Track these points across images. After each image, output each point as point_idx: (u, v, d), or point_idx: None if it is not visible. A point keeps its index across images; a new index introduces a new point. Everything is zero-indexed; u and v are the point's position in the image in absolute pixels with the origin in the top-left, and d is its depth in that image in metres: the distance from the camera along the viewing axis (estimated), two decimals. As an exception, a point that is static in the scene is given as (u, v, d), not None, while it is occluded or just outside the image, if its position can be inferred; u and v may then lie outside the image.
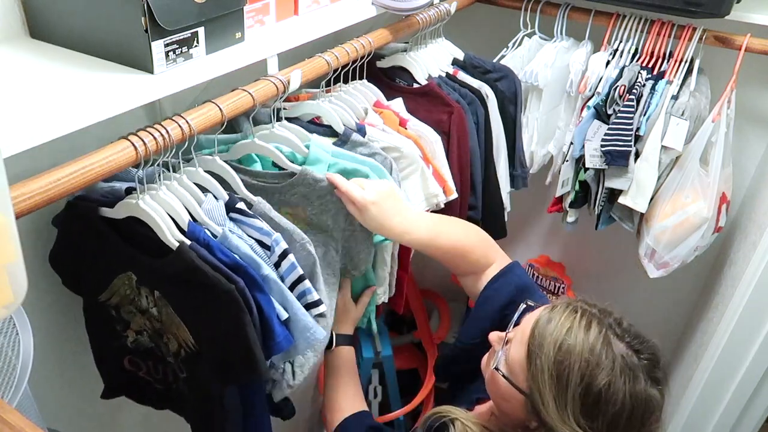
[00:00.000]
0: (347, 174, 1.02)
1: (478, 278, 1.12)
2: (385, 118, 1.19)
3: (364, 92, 1.20)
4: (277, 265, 0.90)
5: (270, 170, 1.03)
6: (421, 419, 0.99)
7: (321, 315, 0.94)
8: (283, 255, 0.90)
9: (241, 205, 0.91)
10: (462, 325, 1.21)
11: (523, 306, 0.95)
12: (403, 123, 1.22)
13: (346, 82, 1.19)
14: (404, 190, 1.15)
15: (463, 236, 1.13)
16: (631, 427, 0.83)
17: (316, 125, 1.12)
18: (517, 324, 0.93)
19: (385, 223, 1.03)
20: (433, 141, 1.22)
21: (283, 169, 1.01)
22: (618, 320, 0.88)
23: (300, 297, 0.92)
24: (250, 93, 0.91)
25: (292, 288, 0.91)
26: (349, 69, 1.13)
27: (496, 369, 0.90)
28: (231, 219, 0.91)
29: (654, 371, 0.85)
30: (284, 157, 1.00)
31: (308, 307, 0.92)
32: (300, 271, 0.91)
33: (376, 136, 1.13)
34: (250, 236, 0.90)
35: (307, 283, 0.91)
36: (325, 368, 1.21)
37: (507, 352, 0.90)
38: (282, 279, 0.91)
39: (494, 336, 0.96)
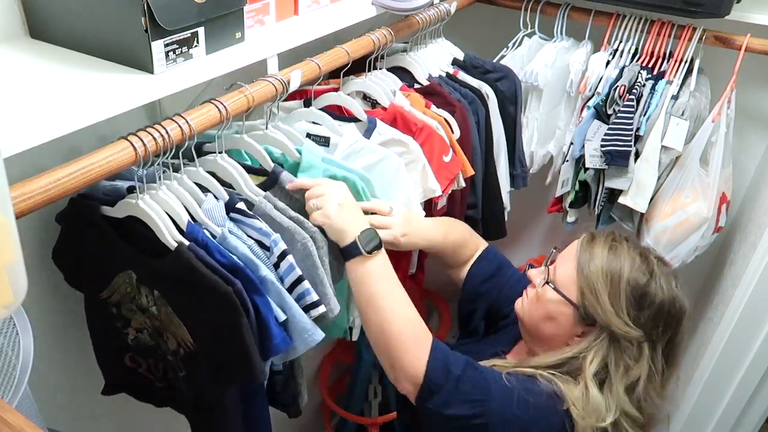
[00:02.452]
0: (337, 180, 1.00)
1: (466, 266, 1.26)
2: (412, 101, 1.23)
3: (390, 78, 1.26)
4: (276, 266, 0.90)
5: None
6: None
7: (321, 316, 0.93)
8: (282, 256, 0.89)
9: (241, 205, 0.91)
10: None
11: (553, 251, 1.10)
12: (428, 105, 1.25)
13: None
14: (405, 182, 1.14)
15: (461, 231, 1.26)
16: (669, 324, 0.98)
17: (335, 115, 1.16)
18: (551, 263, 1.07)
19: (419, 240, 1.13)
20: (453, 124, 1.26)
21: (264, 173, 0.99)
22: (646, 246, 1.06)
23: (299, 298, 0.91)
24: (247, 94, 0.91)
25: (291, 289, 0.91)
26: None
27: (547, 283, 1.02)
28: (231, 219, 0.91)
29: (679, 283, 1.00)
30: (269, 159, 0.99)
31: (308, 308, 0.92)
32: (299, 272, 0.91)
33: (384, 130, 1.15)
34: (249, 236, 0.90)
35: (306, 284, 0.91)
36: (373, 273, 0.97)
37: (552, 274, 1.03)
38: (281, 280, 0.90)
39: (533, 272, 1.08)
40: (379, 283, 0.97)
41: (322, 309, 0.93)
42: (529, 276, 1.09)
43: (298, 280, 0.91)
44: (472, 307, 1.25)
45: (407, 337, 0.95)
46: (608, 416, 0.94)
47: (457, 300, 1.49)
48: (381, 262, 0.98)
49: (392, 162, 1.10)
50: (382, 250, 0.99)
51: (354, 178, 1.03)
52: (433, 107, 1.26)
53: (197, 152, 0.96)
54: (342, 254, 0.97)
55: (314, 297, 0.92)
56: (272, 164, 0.99)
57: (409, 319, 0.97)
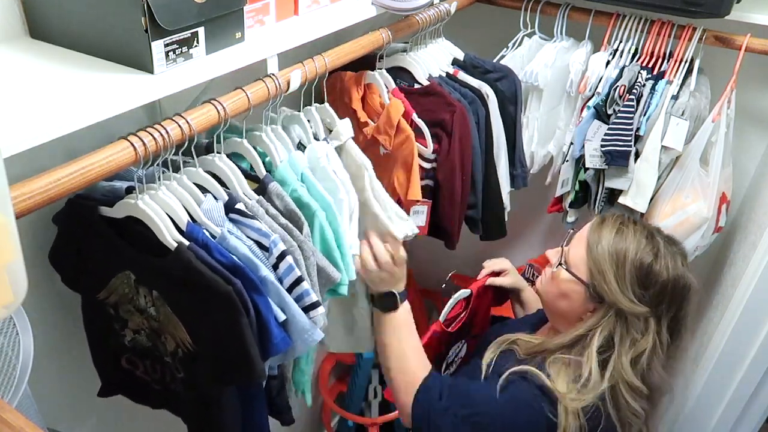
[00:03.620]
0: (300, 207, 0.98)
1: None
2: (391, 107, 1.23)
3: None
4: (275, 267, 0.90)
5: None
6: (488, 353, 1.12)
7: (320, 317, 0.93)
8: (281, 256, 0.89)
9: (240, 205, 0.91)
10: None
11: (569, 231, 1.16)
12: (408, 114, 1.25)
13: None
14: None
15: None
16: (674, 300, 1.03)
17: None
18: (566, 244, 1.13)
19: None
20: (427, 137, 1.27)
21: (257, 179, 0.99)
22: (655, 227, 1.11)
23: (299, 299, 0.91)
24: (247, 94, 0.91)
25: (290, 289, 0.91)
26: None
27: (560, 264, 1.10)
28: (230, 220, 0.91)
29: (686, 262, 1.07)
30: (263, 167, 0.99)
31: (307, 309, 0.92)
32: (298, 272, 0.91)
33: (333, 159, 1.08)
34: (248, 237, 0.90)
35: (305, 284, 0.91)
36: (384, 327, 1.19)
37: (566, 256, 1.10)
38: (280, 280, 0.90)
39: (550, 252, 1.17)
40: (393, 333, 1.19)
41: (321, 310, 0.93)
42: (547, 256, 1.17)
43: (298, 281, 0.91)
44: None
45: (398, 384, 1.16)
46: (602, 385, 1.00)
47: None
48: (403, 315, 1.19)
49: (339, 196, 1.04)
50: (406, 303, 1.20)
51: (316, 209, 0.98)
52: (415, 116, 1.25)
53: (205, 151, 0.97)
54: (378, 301, 1.19)
55: (313, 298, 0.92)
56: (264, 172, 0.98)
57: (403, 369, 1.16)
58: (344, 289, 1.04)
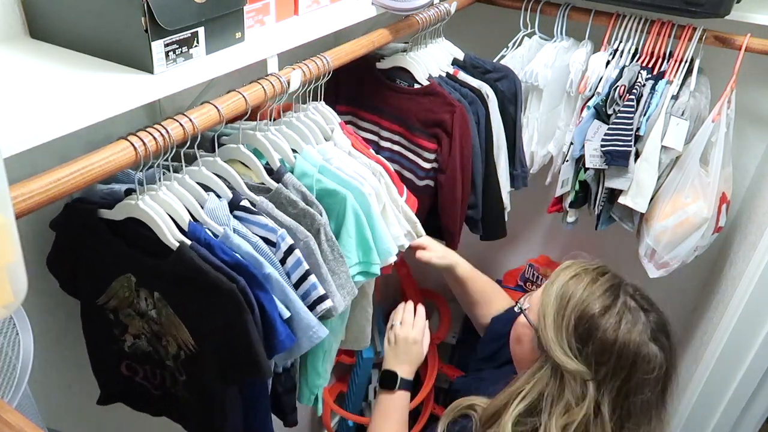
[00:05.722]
0: (326, 195, 1.00)
1: (489, 308, 1.35)
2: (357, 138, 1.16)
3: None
4: (282, 261, 0.90)
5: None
6: (442, 420, 1.05)
7: (327, 311, 0.94)
8: (289, 251, 0.90)
9: (245, 202, 0.91)
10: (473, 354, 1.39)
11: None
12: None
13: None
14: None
15: (489, 284, 1.39)
16: (620, 368, 0.90)
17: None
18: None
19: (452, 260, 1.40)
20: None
21: (270, 171, 0.99)
22: (635, 286, 0.98)
23: (307, 294, 0.92)
24: (244, 95, 0.91)
25: (299, 284, 0.91)
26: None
27: (516, 305, 1.05)
28: (236, 217, 0.91)
29: (657, 334, 0.92)
30: (264, 171, 0.98)
31: (315, 303, 0.92)
32: (306, 266, 0.91)
33: (342, 161, 1.08)
34: (255, 234, 0.90)
35: (313, 278, 0.91)
36: (379, 407, 1.17)
37: (529, 298, 1.04)
38: (288, 275, 0.91)
39: (525, 296, 1.09)
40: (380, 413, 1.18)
41: (329, 303, 0.93)
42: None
43: (306, 275, 0.91)
44: (500, 344, 1.22)
45: None
46: None
47: (457, 300, 1.50)
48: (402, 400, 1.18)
49: (365, 191, 1.03)
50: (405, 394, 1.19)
51: (346, 194, 0.99)
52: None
53: (211, 147, 0.97)
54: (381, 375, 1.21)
55: (321, 291, 0.92)
56: (278, 164, 0.99)
57: None
58: (376, 269, 1.06)
